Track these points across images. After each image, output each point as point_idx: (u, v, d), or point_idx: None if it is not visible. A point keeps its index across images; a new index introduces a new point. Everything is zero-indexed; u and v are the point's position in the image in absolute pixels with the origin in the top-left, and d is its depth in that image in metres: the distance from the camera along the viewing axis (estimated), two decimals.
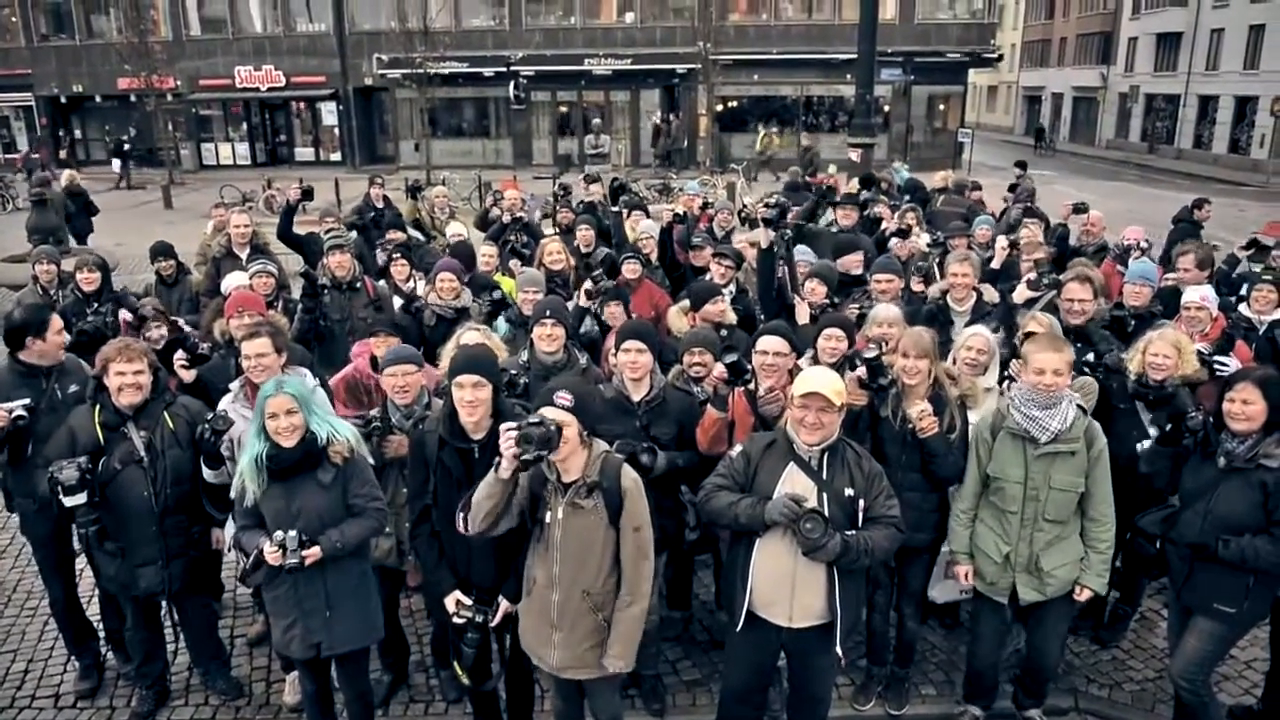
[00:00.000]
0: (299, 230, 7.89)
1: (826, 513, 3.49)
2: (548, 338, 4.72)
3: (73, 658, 5.03)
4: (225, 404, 4.42)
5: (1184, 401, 4.34)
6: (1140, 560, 4.53)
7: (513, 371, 4.50)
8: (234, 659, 5.09)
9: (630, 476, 3.48)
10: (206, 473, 4.24)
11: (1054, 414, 3.92)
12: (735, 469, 3.74)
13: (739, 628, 3.75)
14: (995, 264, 6.52)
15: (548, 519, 3.46)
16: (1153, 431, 4.49)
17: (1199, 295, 5.36)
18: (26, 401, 4.25)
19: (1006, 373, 4.59)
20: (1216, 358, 4.83)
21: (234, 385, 4.55)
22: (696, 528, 4.28)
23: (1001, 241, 6.70)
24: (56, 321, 4.58)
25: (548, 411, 3.29)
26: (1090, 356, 4.79)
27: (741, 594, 3.70)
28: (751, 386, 4.37)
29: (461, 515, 3.44)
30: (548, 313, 4.77)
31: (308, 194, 7.56)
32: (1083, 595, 4.13)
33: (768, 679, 4.09)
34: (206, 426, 4.08)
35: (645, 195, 14.43)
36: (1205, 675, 4.19)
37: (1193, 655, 4.11)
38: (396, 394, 4.28)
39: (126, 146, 29.25)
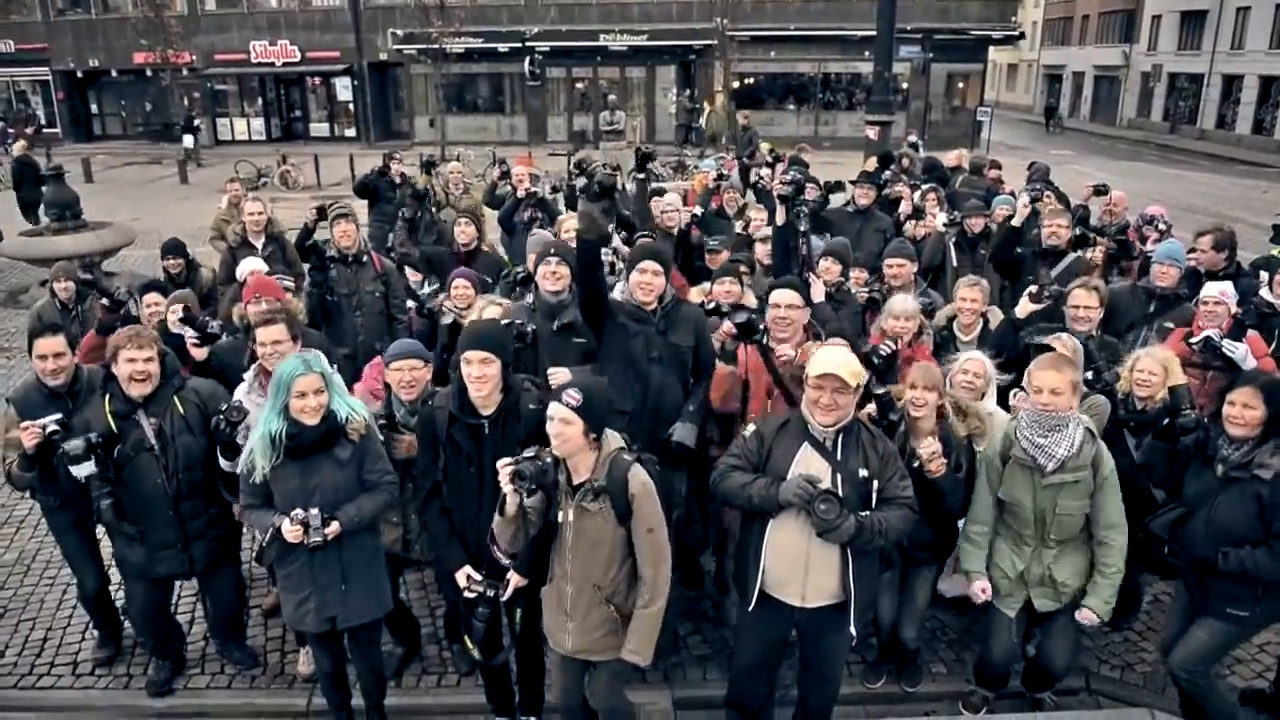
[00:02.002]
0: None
1: (840, 494, 3.47)
2: (552, 275, 4.61)
3: (91, 628, 5.11)
4: (240, 393, 4.39)
5: (1180, 397, 4.25)
6: (1152, 562, 4.48)
7: (519, 321, 4.47)
8: (249, 629, 5.15)
9: (639, 480, 3.41)
10: (223, 463, 4.21)
11: (1060, 439, 3.82)
12: (749, 449, 3.72)
13: (751, 607, 3.75)
14: (1016, 221, 6.43)
15: (560, 519, 3.49)
16: (1139, 457, 4.43)
17: (1217, 290, 5.24)
18: (59, 416, 4.21)
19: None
20: (1227, 342, 4.76)
21: (248, 375, 4.51)
22: (701, 520, 4.30)
23: (1024, 199, 6.64)
24: (43, 344, 4.41)
25: (551, 407, 3.33)
26: (1089, 374, 4.72)
27: (754, 574, 3.69)
28: (766, 342, 4.34)
29: (494, 547, 3.53)
30: (552, 251, 4.69)
31: (322, 214, 7.58)
32: (1083, 615, 4.04)
33: (778, 657, 4.09)
34: (221, 418, 4.05)
35: (661, 172, 14.42)
36: (1207, 669, 4.16)
37: (1198, 648, 4.08)
38: (402, 389, 4.28)
39: (196, 123, 29.37)
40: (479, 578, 3.77)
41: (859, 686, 4.73)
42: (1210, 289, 5.26)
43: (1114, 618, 5.15)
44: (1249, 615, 3.95)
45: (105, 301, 5.54)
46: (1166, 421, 4.09)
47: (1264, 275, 6.10)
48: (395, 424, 4.28)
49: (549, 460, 3.27)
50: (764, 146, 13.82)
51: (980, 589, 4.19)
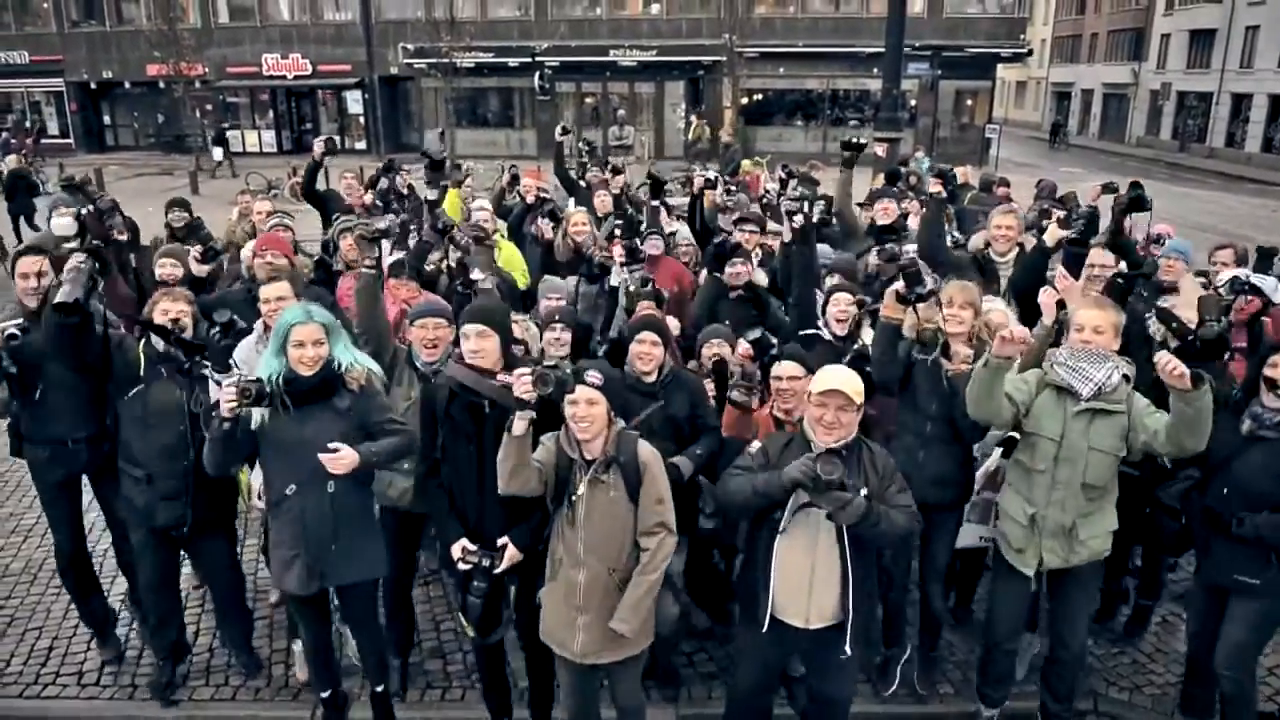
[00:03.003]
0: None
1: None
2: (556, 342, 4.80)
3: (94, 641, 5.10)
4: (248, 346, 4.32)
5: (1209, 306, 4.14)
6: (1161, 539, 4.43)
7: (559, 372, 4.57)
8: (255, 639, 5.11)
9: (647, 450, 3.56)
10: (212, 381, 4.03)
11: (1098, 367, 3.79)
12: (754, 465, 3.72)
13: (763, 629, 3.71)
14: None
15: (574, 496, 3.52)
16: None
17: (1230, 276, 5.28)
18: (20, 321, 4.27)
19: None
20: (1255, 275, 4.74)
21: (255, 329, 4.48)
22: (713, 515, 4.29)
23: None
24: (26, 263, 4.46)
25: (580, 392, 3.38)
26: (1124, 265, 4.77)
27: (764, 597, 3.67)
28: (779, 414, 4.37)
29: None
30: (557, 318, 4.86)
31: (330, 147, 7.52)
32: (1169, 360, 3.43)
33: (777, 681, 4.07)
34: (217, 328, 3.93)
35: (671, 188, 14.39)
36: (1251, 663, 4.10)
37: (1235, 641, 4.02)
38: (423, 348, 4.29)
39: (229, 134, 29.71)
40: (474, 548, 3.73)
41: (865, 706, 4.70)
42: (1225, 275, 5.27)
43: (1122, 635, 5.14)
44: (1260, 584, 3.89)
45: (90, 208, 5.62)
46: (1190, 335, 4.02)
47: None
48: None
49: (568, 373, 3.26)
50: (746, 164, 13.80)
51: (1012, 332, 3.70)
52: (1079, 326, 3.86)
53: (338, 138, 32.75)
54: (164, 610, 4.68)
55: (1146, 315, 4.65)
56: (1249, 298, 4.69)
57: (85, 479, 4.81)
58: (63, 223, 4.24)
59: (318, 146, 7.56)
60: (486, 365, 3.67)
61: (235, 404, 3.45)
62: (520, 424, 3.29)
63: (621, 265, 5.54)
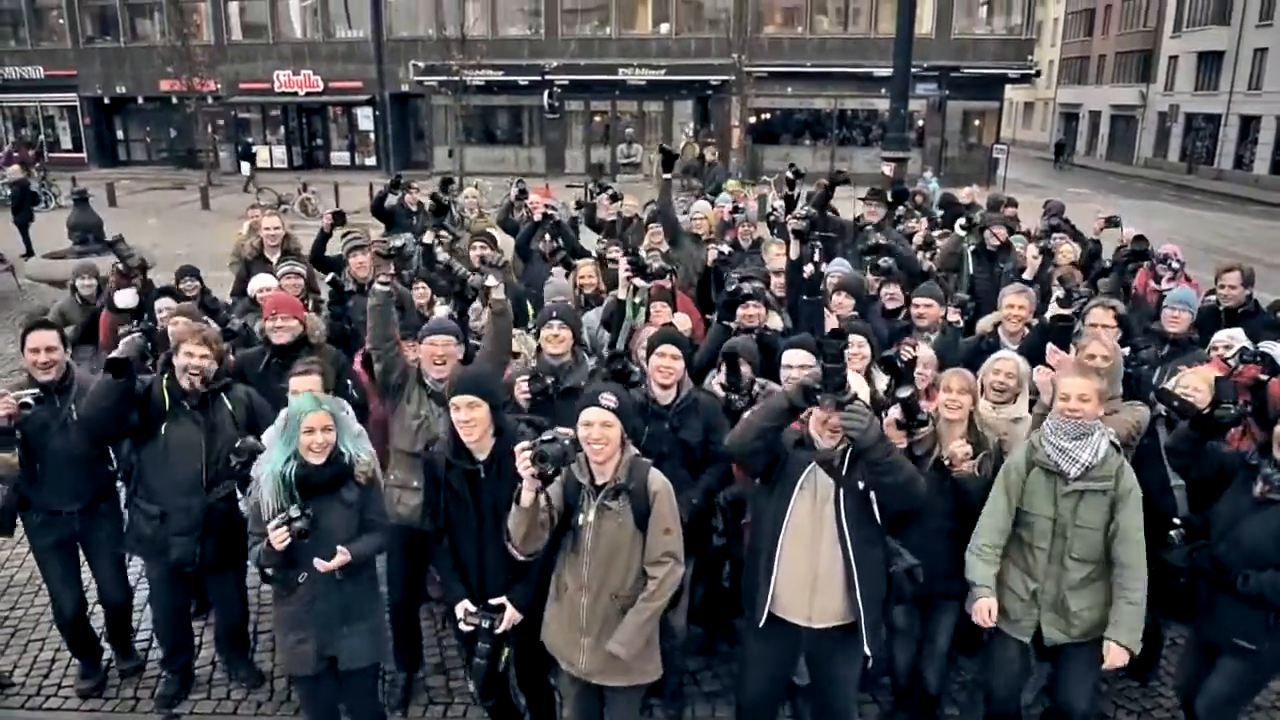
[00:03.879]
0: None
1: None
2: (554, 339, 4.72)
3: (80, 669, 5.02)
4: (273, 433, 4.30)
5: (1225, 390, 4.06)
6: (1163, 601, 4.38)
7: (549, 380, 4.52)
8: (257, 654, 5.14)
9: (659, 479, 3.52)
10: (240, 500, 4.26)
11: (1084, 445, 3.74)
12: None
13: (760, 625, 3.70)
14: (1028, 274, 6.44)
15: (580, 522, 3.50)
16: (1175, 480, 4.31)
17: (1227, 335, 5.22)
18: (36, 391, 4.32)
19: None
20: (1265, 344, 4.69)
21: (279, 418, 4.43)
22: (724, 534, 4.27)
23: (1032, 250, 6.66)
24: (36, 338, 4.49)
25: (589, 413, 3.38)
26: (1127, 350, 4.67)
27: (764, 591, 3.66)
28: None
29: (509, 544, 3.49)
30: (554, 314, 4.81)
31: (339, 219, 7.61)
32: (1111, 656, 3.72)
33: (784, 687, 4.03)
34: (235, 459, 4.12)
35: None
36: (1233, 716, 4.06)
37: (1218, 694, 3.98)
38: (433, 365, 4.33)
39: (255, 150, 30.18)
40: (475, 609, 3.75)
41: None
42: (1220, 335, 5.22)
43: (1137, 669, 5.05)
44: (1257, 649, 3.84)
45: (119, 266, 5.61)
46: (1207, 411, 3.96)
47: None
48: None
49: (569, 441, 3.24)
50: (731, 184, 13.75)
51: (985, 610, 3.90)
52: (1064, 395, 3.79)
53: (349, 152, 33.28)
54: (177, 640, 4.77)
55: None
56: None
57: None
58: (125, 295, 4.32)
59: (326, 218, 7.63)
60: (477, 434, 3.65)
61: (288, 542, 3.57)
62: (528, 497, 3.27)
63: (629, 278, 5.53)
